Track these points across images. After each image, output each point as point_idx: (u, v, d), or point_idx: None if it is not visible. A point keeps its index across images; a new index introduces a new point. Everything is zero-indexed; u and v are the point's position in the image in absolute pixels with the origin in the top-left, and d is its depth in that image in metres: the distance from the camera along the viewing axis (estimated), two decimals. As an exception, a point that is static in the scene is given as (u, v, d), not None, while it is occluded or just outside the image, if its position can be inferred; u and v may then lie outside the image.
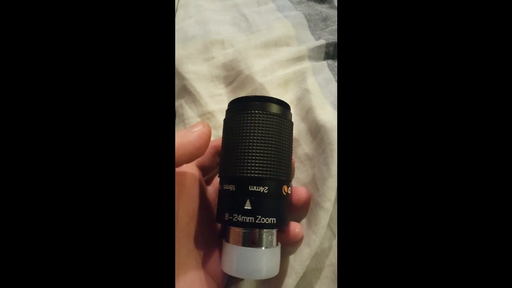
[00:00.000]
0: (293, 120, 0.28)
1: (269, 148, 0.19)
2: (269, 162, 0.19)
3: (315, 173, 0.24)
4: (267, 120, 0.20)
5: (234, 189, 0.20)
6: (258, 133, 0.19)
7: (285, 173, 0.20)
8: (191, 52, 0.33)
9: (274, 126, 0.20)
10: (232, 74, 0.31)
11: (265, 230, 0.20)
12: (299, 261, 0.21)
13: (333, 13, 0.37)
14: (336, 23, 0.35)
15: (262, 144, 0.19)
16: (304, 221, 0.23)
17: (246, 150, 0.19)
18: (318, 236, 0.21)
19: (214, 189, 0.25)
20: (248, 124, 0.20)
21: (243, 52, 0.32)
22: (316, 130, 0.26)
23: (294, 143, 0.27)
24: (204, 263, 0.21)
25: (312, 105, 0.27)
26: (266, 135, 0.20)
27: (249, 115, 0.20)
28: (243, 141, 0.19)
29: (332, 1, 0.39)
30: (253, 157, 0.19)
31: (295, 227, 0.22)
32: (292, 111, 0.29)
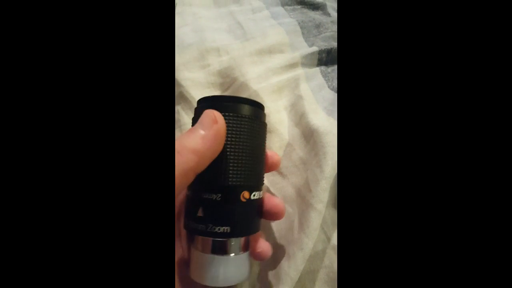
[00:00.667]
0: (287, 125, 0.29)
1: (227, 154, 0.18)
2: (223, 168, 0.18)
3: (308, 176, 0.24)
4: (234, 123, 0.19)
5: (190, 195, 0.20)
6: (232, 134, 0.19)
7: (246, 179, 0.19)
8: (188, 59, 0.34)
9: (239, 130, 0.19)
10: (227, 81, 0.32)
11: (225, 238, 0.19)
12: (293, 266, 0.22)
13: (326, 20, 0.38)
14: (329, 30, 0.36)
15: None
16: (295, 224, 0.23)
17: None
18: (311, 239, 0.21)
19: None
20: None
21: (238, 60, 0.33)
22: (309, 134, 0.26)
23: (288, 148, 0.28)
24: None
25: (305, 111, 0.28)
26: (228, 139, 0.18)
27: (234, 118, 0.19)
28: None
29: (325, 8, 0.40)
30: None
31: (261, 246, 0.21)
32: (286, 116, 0.30)
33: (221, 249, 0.19)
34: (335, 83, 0.31)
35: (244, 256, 0.20)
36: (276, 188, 0.26)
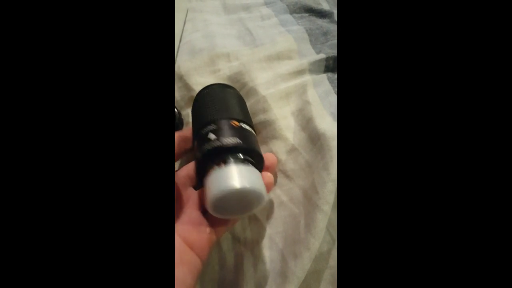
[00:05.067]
0: (293, 130, 0.30)
1: (209, 107, 0.25)
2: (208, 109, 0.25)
3: (314, 178, 0.25)
4: (214, 90, 0.27)
5: (196, 143, 0.24)
6: (206, 98, 0.27)
7: (231, 113, 0.25)
8: (199, 64, 0.35)
9: (217, 92, 0.27)
10: (237, 86, 0.33)
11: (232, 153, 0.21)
12: (300, 265, 0.22)
13: (333, 28, 0.39)
14: (336, 37, 0.37)
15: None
16: (302, 224, 0.24)
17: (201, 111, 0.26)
18: (317, 239, 0.22)
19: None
20: (201, 96, 0.27)
21: (248, 65, 0.34)
22: (316, 138, 0.27)
23: (294, 152, 0.29)
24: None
25: (313, 116, 0.28)
26: (213, 97, 0.27)
27: (203, 92, 0.28)
28: (199, 107, 0.27)
29: (332, 16, 0.41)
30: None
31: (268, 156, 0.25)
32: (293, 121, 0.31)
33: (234, 160, 0.21)
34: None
35: (257, 171, 0.21)
36: (283, 190, 0.27)
